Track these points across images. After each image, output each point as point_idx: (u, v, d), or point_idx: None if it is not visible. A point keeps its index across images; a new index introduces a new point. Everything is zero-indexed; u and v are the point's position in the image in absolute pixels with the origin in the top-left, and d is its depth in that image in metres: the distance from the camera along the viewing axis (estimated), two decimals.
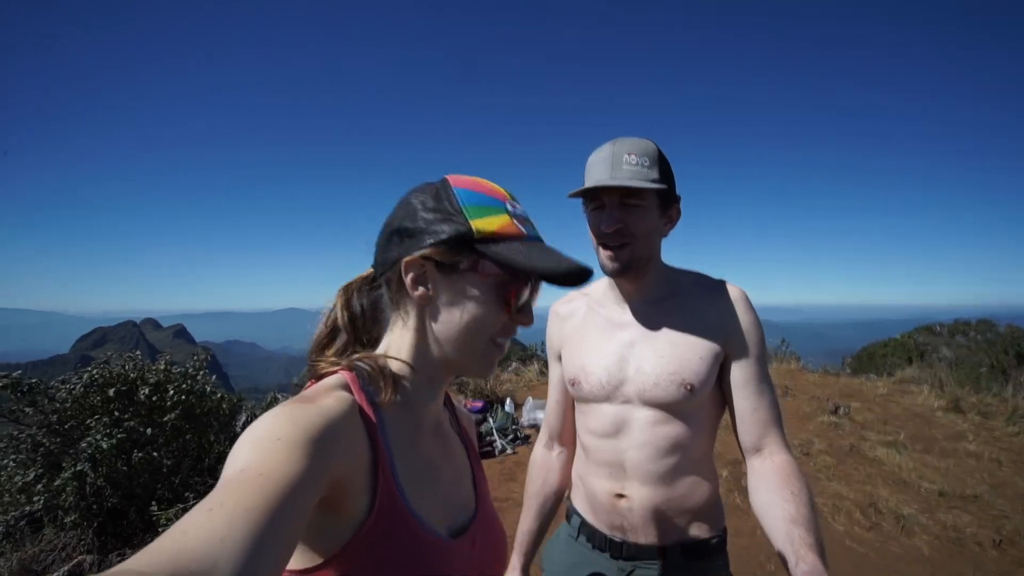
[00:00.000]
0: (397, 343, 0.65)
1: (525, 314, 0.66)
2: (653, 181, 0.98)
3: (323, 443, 0.49)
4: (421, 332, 0.64)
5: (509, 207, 0.63)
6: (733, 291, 1.08)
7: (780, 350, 8.41)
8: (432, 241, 0.60)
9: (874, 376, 7.70)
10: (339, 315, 0.67)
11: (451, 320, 0.62)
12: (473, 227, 0.60)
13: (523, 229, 0.62)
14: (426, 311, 0.63)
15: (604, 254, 1.04)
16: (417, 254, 0.60)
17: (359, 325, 0.69)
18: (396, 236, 0.63)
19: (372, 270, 0.69)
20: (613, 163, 0.99)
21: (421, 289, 0.62)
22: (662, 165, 1.01)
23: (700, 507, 1.06)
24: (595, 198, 1.03)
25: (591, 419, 1.11)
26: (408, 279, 0.61)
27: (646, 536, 1.05)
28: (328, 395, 0.56)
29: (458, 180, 0.64)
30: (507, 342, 0.66)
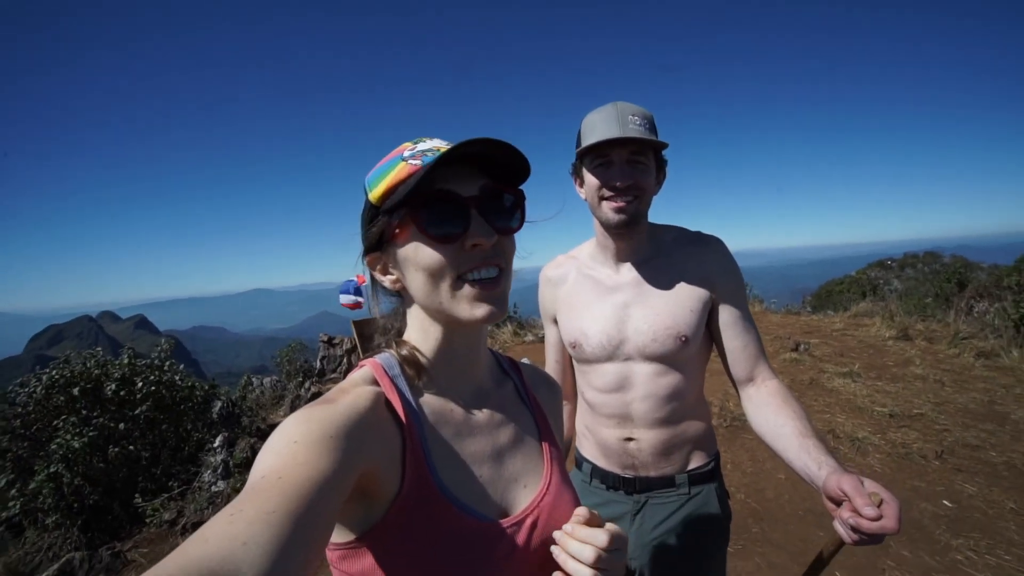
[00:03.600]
0: (408, 329, 0.71)
1: (475, 235, 0.60)
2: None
3: (344, 440, 0.50)
4: (416, 310, 0.69)
5: (406, 155, 0.62)
6: (711, 242, 1.15)
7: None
8: (364, 236, 0.67)
9: (832, 312, 8.12)
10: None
11: (416, 283, 0.64)
12: (371, 200, 0.64)
13: (417, 163, 0.60)
14: (405, 291, 0.68)
15: (611, 206, 1.06)
16: (365, 254, 0.68)
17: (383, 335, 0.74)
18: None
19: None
20: (620, 121, 1.01)
21: (389, 276, 0.68)
22: (656, 131, 1.06)
23: (698, 439, 1.17)
24: (602, 154, 1.04)
25: (595, 377, 1.16)
26: (377, 274, 0.69)
27: (656, 469, 1.15)
28: (349, 392, 0.58)
29: (372, 171, 0.65)
30: (484, 272, 0.61)
